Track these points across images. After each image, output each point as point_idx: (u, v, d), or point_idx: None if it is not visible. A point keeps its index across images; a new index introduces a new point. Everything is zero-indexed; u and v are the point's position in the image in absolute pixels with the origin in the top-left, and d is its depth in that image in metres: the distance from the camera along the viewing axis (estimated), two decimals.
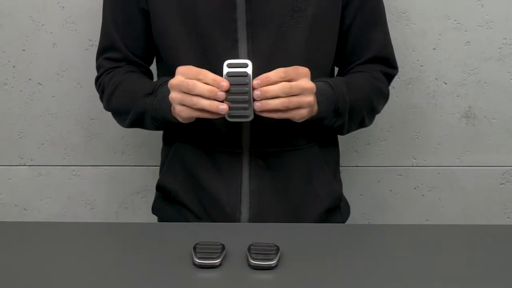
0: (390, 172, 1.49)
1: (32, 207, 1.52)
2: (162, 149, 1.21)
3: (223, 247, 0.88)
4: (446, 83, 1.44)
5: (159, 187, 1.18)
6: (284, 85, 0.95)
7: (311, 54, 1.07)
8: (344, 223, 1.20)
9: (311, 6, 1.06)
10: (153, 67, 1.20)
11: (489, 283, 0.85)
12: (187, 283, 0.84)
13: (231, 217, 1.10)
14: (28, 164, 1.49)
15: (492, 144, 1.46)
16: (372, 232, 1.02)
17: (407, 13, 1.40)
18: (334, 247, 0.94)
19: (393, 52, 1.17)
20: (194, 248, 0.88)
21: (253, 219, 1.10)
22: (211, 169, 1.11)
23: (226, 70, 0.94)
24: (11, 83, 1.44)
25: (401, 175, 1.49)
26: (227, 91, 0.95)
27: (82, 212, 1.52)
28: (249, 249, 0.88)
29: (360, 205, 1.50)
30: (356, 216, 1.50)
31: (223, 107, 0.94)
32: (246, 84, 0.95)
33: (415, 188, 1.50)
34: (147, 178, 1.49)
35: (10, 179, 1.50)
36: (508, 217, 1.51)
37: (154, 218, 1.23)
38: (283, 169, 1.11)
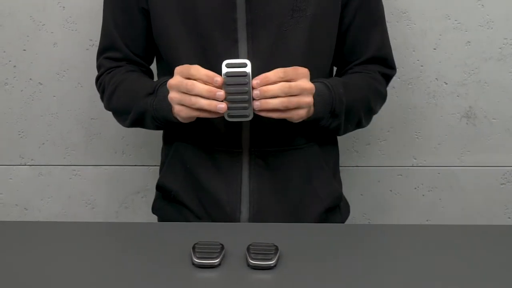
0: (390, 172, 1.49)
1: (32, 206, 1.52)
2: (162, 148, 1.21)
3: (222, 247, 0.88)
4: (446, 83, 1.44)
5: (159, 187, 1.18)
6: (283, 85, 0.95)
7: (311, 54, 1.07)
8: (343, 223, 1.20)
9: (311, 6, 1.06)
10: (153, 67, 1.20)
11: (489, 283, 0.85)
12: (186, 283, 0.84)
13: (231, 216, 1.10)
14: (28, 163, 1.49)
15: (493, 144, 1.46)
16: (372, 232, 1.02)
17: (408, 13, 1.40)
18: (333, 247, 0.94)
19: (392, 52, 1.17)
20: (193, 248, 0.88)
21: (253, 218, 1.10)
22: (211, 169, 1.11)
23: (225, 70, 0.95)
24: (11, 83, 1.44)
25: (401, 175, 1.49)
26: (227, 91, 0.95)
27: (83, 211, 1.52)
28: (248, 249, 0.88)
29: (360, 205, 1.50)
30: (356, 216, 1.50)
31: (222, 106, 0.95)
32: (245, 84, 0.95)
33: (415, 188, 1.50)
34: (147, 177, 1.49)
35: (10, 178, 1.50)
36: (509, 217, 1.51)
37: (154, 218, 1.23)
38: (283, 168, 1.11)
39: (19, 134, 1.47)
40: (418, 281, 0.85)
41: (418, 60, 1.42)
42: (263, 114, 0.97)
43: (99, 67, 1.17)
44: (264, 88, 0.95)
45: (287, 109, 0.97)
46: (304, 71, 0.98)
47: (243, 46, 1.05)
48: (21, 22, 1.41)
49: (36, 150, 1.48)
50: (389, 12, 1.39)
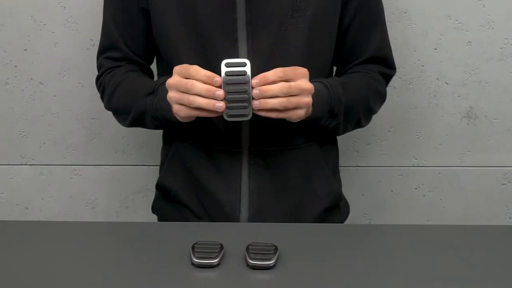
0: (391, 172, 1.49)
1: (33, 206, 1.52)
2: (162, 148, 1.21)
3: (222, 247, 0.88)
4: (447, 83, 1.44)
5: (159, 187, 1.18)
6: (283, 85, 0.95)
7: (311, 53, 1.07)
8: (343, 222, 1.20)
9: (311, 6, 1.06)
10: (153, 67, 1.20)
11: (490, 283, 0.84)
12: (185, 282, 0.84)
13: (231, 216, 1.10)
14: (29, 163, 1.49)
15: (493, 144, 1.46)
16: (372, 232, 1.02)
17: (408, 13, 1.40)
18: (333, 247, 0.94)
19: (391, 52, 1.17)
20: (193, 247, 0.88)
21: (253, 218, 1.10)
22: (210, 168, 1.11)
23: (224, 69, 0.95)
24: (12, 83, 1.45)
25: (402, 175, 1.49)
26: (226, 91, 0.95)
27: (83, 211, 1.52)
28: (247, 249, 0.88)
29: (360, 205, 1.50)
30: (356, 216, 1.50)
31: (220, 105, 0.95)
32: (245, 83, 0.95)
33: (416, 188, 1.50)
34: (148, 177, 1.49)
35: (11, 178, 1.50)
36: (510, 218, 1.51)
37: (154, 218, 1.23)
38: (283, 168, 1.11)
39: (20, 134, 1.48)
40: (418, 281, 0.84)
41: (419, 60, 1.42)
42: (262, 113, 0.97)
43: (99, 67, 1.17)
44: (264, 87, 0.95)
45: (286, 109, 0.97)
46: (304, 71, 0.98)
47: (243, 46, 1.05)
48: (22, 22, 1.41)
49: (37, 150, 1.48)
50: (390, 12, 1.38)
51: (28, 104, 1.46)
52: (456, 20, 1.40)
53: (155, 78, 1.20)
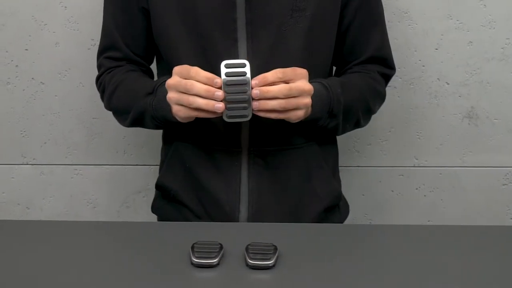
0: (392, 172, 1.49)
1: (34, 205, 1.52)
2: (162, 148, 1.21)
3: (221, 247, 0.88)
4: (448, 83, 1.43)
5: (159, 186, 1.18)
6: (283, 86, 0.96)
7: (310, 53, 1.07)
8: (343, 222, 1.20)
9: (311, 6, 1.06)
10: (153, 67, 1.21)
11: (491, 284, 0.84)
12: (184, 282, 0.84)
13: (230, 216, 1.10)
14: (30, 163, 1.50)
15: (495, 144, 1.46)
16: (372, 232, 1.02)
17: (409, 13, 1.40)
18: (332, 247, 0.94)
19: (391, 52, 1.17)
20: (192, 247, 0.88)
21: (252, 218, 1.10)
22: (210, 168, 1.11)
23: (224, 70, 0.95)
24: (13, 82, 1.45)
25: (402, 175, 1.49)
26: (226, 92, 0.95)
27: (84, 210, 1.52)
28: (247, 248, 0.88)
29: (361, 205, 1.50)
30: (357, 217, 1.50)
31: (220, 105, 0.95)
32: (245, 84, 0.95)
33: (416, 189, 1.50)
34: (148, 177, 1.49)
35: (12, 177, 1.51)
36: (511, 218, 1.51)
37: (155, 217, 1.23)
38: (282, 168, 1.11)
39: (21, 133, 1.48)
40: (419, 281, 0.84)
41: (419, 60, 1.42)
42: (261, 114, 0.97)
43: (99, 66, 1.18)
44: (264, 88, 0.95)
45: (285, 110, 0.97)
46: (303, 71, 0.98)
47: (242, 45, 1.05)
48: (23, 21, 1.41)
49: (38, 149, 1.49)
50: (391, 12, 1.38)
51: (29, 104, 1.46)
52: (457, 20, 1.40)
53: (155, 78, 1.20)
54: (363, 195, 1.50)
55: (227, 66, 0.95)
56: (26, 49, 1.43)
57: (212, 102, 0.95)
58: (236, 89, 0.95)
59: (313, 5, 1.06)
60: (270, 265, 0.86)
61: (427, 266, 0.88)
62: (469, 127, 1.45)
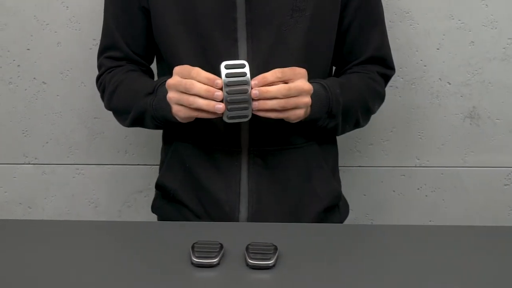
0: (393, 173, 1.49)
1: (36, 205, 1.53)
2: (162, 148, 1.21)
3: (221, 247, 0.88)
4: (450, 83, 1.43)
5: (159, 186, 1.19)
6: (282, 86, 0.96)
7: (310, 53, 1.07)
8: (343, 222, 1.20)
9: (311, 6, 1.06)
10: (154, 67, 1.21)
11: (492, 284, 0.84)
12: (184, 282, 0.84)
13: (230, 216, 1.10)
14: (32, 162, 1.50)
15: (496, 144, 1.46)
16: (372, 232, 1.02)
17: (411, 13, 1.40)
18: (332, 247, 0.94)
19: (390, 52, 1.17)
20: (192, 247, 0.88)
21: (252, 218, 1.10)
22: (210, 168, 1.11)
23: (224, 71, 0.95)
24: (15, 82, 1.45)
25: (404, 175, 1.49)
26: (227, 92, 0.95)
27: (86, 210, 1.52)
28: (247, 248, 0.88)
29: (362, 205, 1.50)
30: (359, 217, 1.50)
31: (220, 106, 0.95)
32: (245, 84, 0.95)
33: (418, 189, 1.49)
34: (150, 177, 1.49)
35: (14, 177, 1.51)
36: None
37: (155, 217, 1.23)
38: (282, 168, 1.11)
39: (23, 133, 1.48)
40: (420, 282, 0.84)
41: (421, 60, 1.42)
42: (261, 114, 0.97)
43: (99, 66, 1.18)
44: (263, 89, 0.95)
45: (284, 109, 0.97)
46: (302, 71, 0.98)
47: (242, 45, 1.05)
48: (25, 21, 1.42)
49: (40, 149, 1.49)
50: (392, 12, 1.38)
51: (31, 104, 1.46)
52: (459, 20, 1.40)
53: (155, 78, 1.20)
54: (364, 195, 1.50)
55: (227, 67, 0.95)
56: (28, 49, 1.43)
57: (213, 102, 0.95)
58: (236, 90, 0.95)
59: (313, 5, 1.06)
60: (270, 265, 0.86)
61: (428, 266, 0.88)
62: (470, 127, 1.45)
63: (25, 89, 1.46)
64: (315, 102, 1.01)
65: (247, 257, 0.86)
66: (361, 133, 1.42)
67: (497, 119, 1.45)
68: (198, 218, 1.13)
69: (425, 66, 1.42)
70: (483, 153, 1.46)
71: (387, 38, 1.17)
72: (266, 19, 1.05)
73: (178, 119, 1.01)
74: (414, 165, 1.48)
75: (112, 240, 0.99)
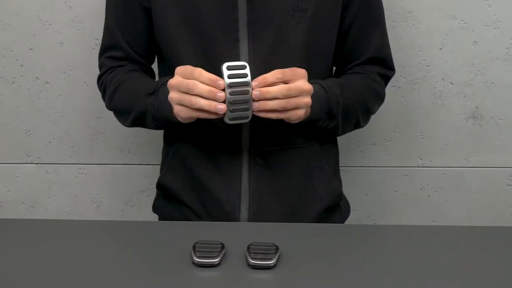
0: (396, 173, 1.48)
1: (39, 204, 1.53)
2: (163, 148, 1.21)
3: (223, 246, 0.88)
4: (452, 83, 1.43)
5: (160, 186, 1.19)
6: (283, 87, 0.96)
7: (311, 54, 1.07)
8: (343, 222, 1.20)
9: (312, 6, 1.06)
10: (155, 67, 1.21)
11: (495, 284, 0.84)
12: (186, 282, 0.84)
13: (231, 215, 1.10)
14: (35, 162, 1.50)
15: (499, 145, 1.45)
16: (373, 232, 1.02)
17: (413, 12, 1.39)
18: (333, 247, 0.94)
19: (391, 53, 1.17)
20: (194, 247, 0.88)
21: (252, 218, 1.10)
22: (211, 168, 1.11)
23: (226, 72, 0.95)
24: (18, 82, 1.46)
25: (406, 175, 1.49)
26: (229, 93, 0.95)
27: (88, 210, 1.53)
28: (248, 248, 0.88)
29: (365, 205, 1.50)
30: (361, 217, 1.50)
31: (221, 107, 0.95)
32: (247, 85, 0.95)
33: (420, 189, 1.49)
34: (152, 176, 1.49)
35: (17, 176, 1.51)
36: None
37: (157, 217, 1.23)
38: (283, 167, 1.11)
39: (26, 132, 1.48)
40: (422, 282, 0.84)
41: (424, 60, 1.42)
42: (261, 115, 0.97)
43: (101, 66, 1.18)
44: (264, 89, 0.95)
45: (285, 110, 0.97)
46: (302, 71, 0.98)
47: (244, 45, 1.05)
48: (28, 21, 1.42)
49: (43, 149, 1.49)
50: (395, 12, 1.38)
51: (34, 103, 1.46)
52: (462, 20, 1.39)
53: (156, 78, 1.20)
54: (366, 195, 1.50)
55: (229, 68, 0.95)
56: (31, 49, 1.44)
57: (215, 103, 0.95)
58: (238, 91, 0.96)
59: (314, 5, 1.06)
60: (272, 265, 0.86)
61: (430, 266, 0.87)
62: (473, 127, 1.45)
63: (28, 89, 1.46)
64: (315, 102, 1.01)
65: (248, 257, 0.86)
66: (363, 133, 1.42)
67: (500, 119, 1.44)
68: (199, 218, 1.13)
69: (427, 66, 1.42)
70: (486, 153, 1.46)
71: (388, 39, 1.17)
72: (267, 19, 1.05)
73: (179, 119, 1.01)
74: (416, 165, 1.48)
75: (113, 240, 0.99)
